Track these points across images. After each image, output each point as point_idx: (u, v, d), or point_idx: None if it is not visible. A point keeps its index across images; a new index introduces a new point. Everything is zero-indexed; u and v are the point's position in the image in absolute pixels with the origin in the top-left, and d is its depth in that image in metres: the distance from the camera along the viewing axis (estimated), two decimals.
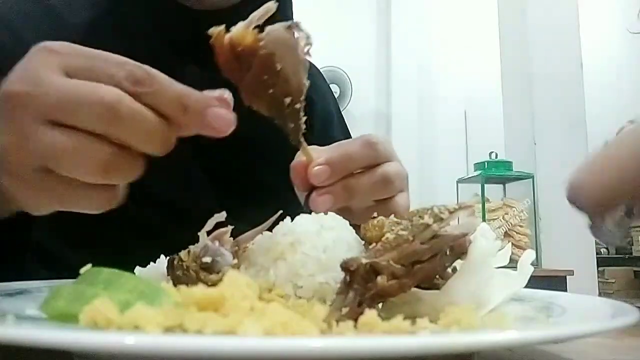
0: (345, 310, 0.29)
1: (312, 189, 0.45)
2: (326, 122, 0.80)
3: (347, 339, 0.24)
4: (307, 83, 0.38)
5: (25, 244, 0.52)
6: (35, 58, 0.34)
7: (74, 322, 0.26)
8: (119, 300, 0.26)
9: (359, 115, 3.81)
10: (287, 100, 0.38)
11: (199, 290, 0.26)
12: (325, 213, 0.40)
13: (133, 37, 0.63)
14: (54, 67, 0.34)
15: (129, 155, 0.34)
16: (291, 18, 0.71)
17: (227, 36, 0.36)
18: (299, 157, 0.45)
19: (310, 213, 0.41)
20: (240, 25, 0.36)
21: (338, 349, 0.21)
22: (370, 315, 0.27)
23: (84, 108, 0.32)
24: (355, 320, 0.27)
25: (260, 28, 0.37)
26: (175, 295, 0.28)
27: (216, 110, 0.34)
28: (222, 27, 0.36)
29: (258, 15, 0.37)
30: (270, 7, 0.37)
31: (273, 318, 0.24)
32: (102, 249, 0.52)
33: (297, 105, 0.38)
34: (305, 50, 0.37)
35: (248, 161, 0.67)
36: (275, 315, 0.25)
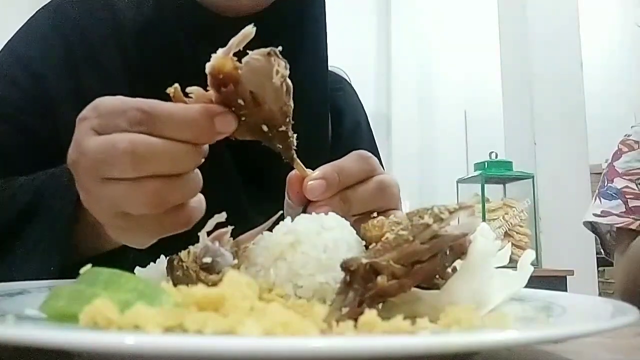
0: (345, 310, 0.29)
1: (307, 203, 0.45)
2: (355, 133, 0.82)
3: (347, 339, 0.24)
4: (291, 104, 0.39)
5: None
6: (77, 127, 0.39)
7: (74, 322, 0.26)
8: (119, 300, 0.26)
9: None
10: (265, 127, 0.39)
11: (199, 290, 0.26)
12: (326, 214, 0.40)
13: (176, 36, 0.64)
14: (88, 130, 0.37)
15: (175, 180, 0.37)
16: (324, 16, 0.73)
17: (208, 65, 0.37)
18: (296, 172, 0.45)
19: None
20: (220, 52, 0.37)
21: (338, 349, 0.21)
22: (370, 315, 0.27)
23: (110, 161, 0.36)
24: (355, 320, 0.27)
25: (240, 53, 0.38)
26: (175, 295, 0.28)
27: (221, 119, 0.37)
28: (177, 85, 0.38)
29: (237, 40, 0.37)
30: (248, 32, 0.37)
31: (273, 318, 0.24)
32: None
33: (282, 128, 0.40)
34: (281, 78, 0.38)
35: (266, 156, 0.67)
36: (275, 315, 0.25)
